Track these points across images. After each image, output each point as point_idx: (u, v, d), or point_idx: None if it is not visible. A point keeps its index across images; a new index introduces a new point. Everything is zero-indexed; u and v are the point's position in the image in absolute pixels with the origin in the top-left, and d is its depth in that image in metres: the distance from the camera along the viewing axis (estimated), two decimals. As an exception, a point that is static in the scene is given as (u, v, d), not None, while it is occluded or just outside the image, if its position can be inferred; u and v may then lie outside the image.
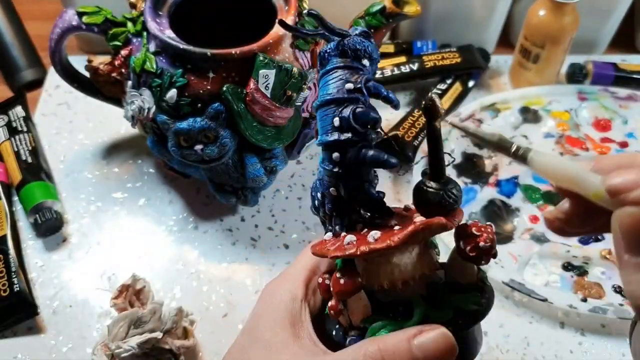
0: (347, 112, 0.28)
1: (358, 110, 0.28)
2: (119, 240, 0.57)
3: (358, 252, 0.28)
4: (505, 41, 0.78)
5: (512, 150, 0.30)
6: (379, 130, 0.29)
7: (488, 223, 0.30)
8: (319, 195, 0.31)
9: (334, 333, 0.32)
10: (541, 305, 0.52)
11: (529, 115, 0.67)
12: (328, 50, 0.30)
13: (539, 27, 0.65)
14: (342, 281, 0.29)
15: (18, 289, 0.50)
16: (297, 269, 0.35)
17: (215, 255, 0.56)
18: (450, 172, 0.62)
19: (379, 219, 0.30)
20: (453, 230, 0.30)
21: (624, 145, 0.64)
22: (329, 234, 0.31)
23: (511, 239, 0.56)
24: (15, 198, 0.59)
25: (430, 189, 0.28)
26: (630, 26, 0.80)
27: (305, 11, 0.30)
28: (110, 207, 0.59)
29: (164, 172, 0.62)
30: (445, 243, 0.53)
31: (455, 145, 0.64)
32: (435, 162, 0.29)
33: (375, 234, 0.28)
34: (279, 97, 0.47)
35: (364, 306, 0.30)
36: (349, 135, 0.28)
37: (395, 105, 0.30)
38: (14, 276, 0.51)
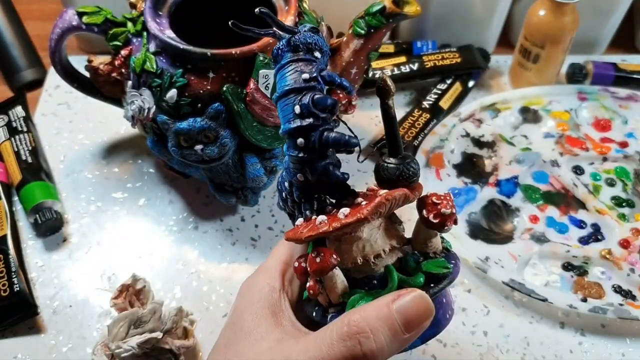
0: (306, 99, 0.30)
1: (316, 96, 0.30)
2: (119, 240, 0.57)
3: (330, 229, 0.29)
4: (505, 41, 0.78)
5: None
6: (337, 116, 0.31)
7: (447, 192, 0.33)
8: (286, 185, 0.33)
9: (314, 314, 0.33)
10: (541, 305, 0.52)
11: (529, 115, 0.67)
12: (281, 47, 0.32)
13: (539, 27, 0.65)
14: (318, 259, 0.30)
15: (18, 288, 0.50)
16: (273, 262, 0.36)
17: (215, 255, 0.56)
18: (450, 171, 0.62)
19: (346, 200, 0.32)
20: (415, 204, 0.32)
21: (624, 145, 0.64)
22: (300, 219, 0.33)
23: (511, 239, 0.56)
24: (16, 198, 0.59)
25: (391, 164, 0.31)
26: (630, 26, 0.80)
27: (256, 10, 0.31)
28: (110, 207, 0.59)
29: (164, 172, 0.62)
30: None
31: (455, 145, 0.64)
32: (392, 139, 0.31)
33: (344, 210, 0.30)
34: (279, 97, 0.47)
35: (341, 282, 0.32)
36: (310, 120, 0.30)
37: (349, 92, 0.32)
38: (14, 276, 0.51)
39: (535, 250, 0.55)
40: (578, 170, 0.62)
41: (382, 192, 0.30)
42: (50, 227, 0.56)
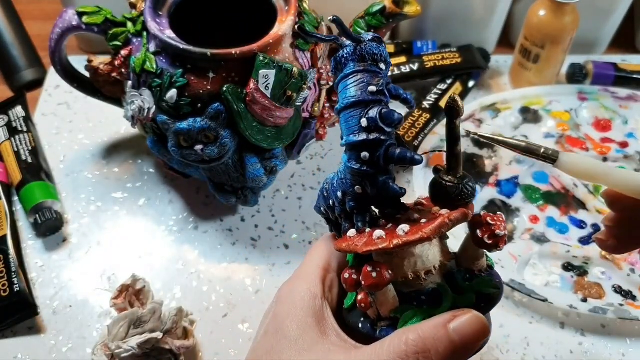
0: (373, 112, 0.30)
1: (384, 111, 0.30)
2: (119, 240, 0.57)
3: (391, 246, 0.29)
4: (506, 41, 0.78)
5: (541, 152, 0.32)
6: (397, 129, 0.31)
7: (498, 213, 0.32)
8: (338, 194, 0.32)
9: (360, 326, 0.32)
10: (541, 305, 0.52)
11: (529, 115, 0.67)
12: (345, 55, 0.31)
13: (539, 27, 0.65)
14: (374, 274, 0.30)
15: (18, 289, 0.50)
16: (311, 268, 0.35)
17: (215, 255, 0.56)
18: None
19: (398, 213, 0.32)
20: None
21: (624, 145, 0.64)
22: (353, 231, 0.32)
23: (511, 239, 0.56)
24: (16, 198, 0.59)
25: (450, 183, 0.30)
26: (630, 26, 0.80)
27: (330, 18, 0.31)
28: (110, 207, 0.59)
29: (164, 172, 0.62)
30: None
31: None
32: (454, 158, 0.31)
33: (404, 227, 0.29)
34: (279, 97, 0.47)
35: (393, 297, 0.32)
36: (377, 135, 0.30)
37: (411, 107, 0.32)
38: (14, 276, 0.51)
39: (535, 250, 0.55)
40: (578, 170, 0.62)
41: (444, 211, 0.30)
42: (50, 227, 0.56)
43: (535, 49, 0.66)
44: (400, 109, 0.67)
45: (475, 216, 0.32)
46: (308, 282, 0.34)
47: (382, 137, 0.30)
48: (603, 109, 0.68)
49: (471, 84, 0.70)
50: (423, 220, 0.30)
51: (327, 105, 0.54)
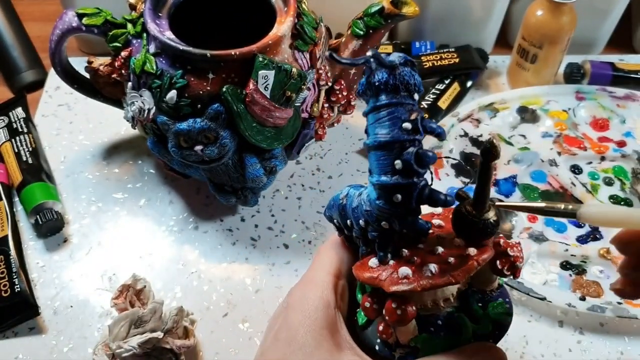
0: (409, 155, 0.28)
1: (420, 152, 0.28)
2: (119, 240, 0.57)
3: (419, 289, 0.28)
4: (503, 41, 0.79)
5: (562, 209, 0.32)
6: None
7: (517, 242, 0.32)
8: (360, 222, 0.31)
9: (377, 348, 0.32)
10: (540, 303, 0.52)
11: (527, 114, 0.68)
12: (377, 84, 0.28)
13: (536, 27, 0.65)
14: (398, 312, 0.29)
15: (19, 289, 0.51)
16: (322, 274, 0.34)
17: (216, 255, 0.56)
18: (449, 171, 0.62)
19: (419, 240, 0.32)
20: None
21: (621, 144, 0.64)
22: (375, 261, 0.31)
23: (510, 238, 0.57)
24: (16, 199, 0.59)
25: (476, 219, 0.29)
26: (627, 26, 0.80)
27: (368, 52, 0.29)
28: (110, 207, 0.59)
29: (164, 172, 0.62)
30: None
31: (453, 145, 0.64)
32: (482, 194, 0.29)
33: (432, 267, 0.29)
34: (278, 98, 0.48)
35: (414, 327, 0.32)
36: (412, 179, 0.29)
37: (442, 139, 0.30)
38: (15, 277, 0.51)
39: (533, 249, 0.55)
40: (576, 169, 0.63)
41: (472, 251, 0.29)
42: (51, 227, 0.56)
43: (533, 49, 0.67)
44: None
45: (495, 245, 0.31)
46: (320, 289, 0.34)
47: (417, 180, 0.29)
48: (601, 108, 0.68)
49: (469, 84, 0.71)
50: (450, 259, 0.29)
51: (326, 105, 0.55)
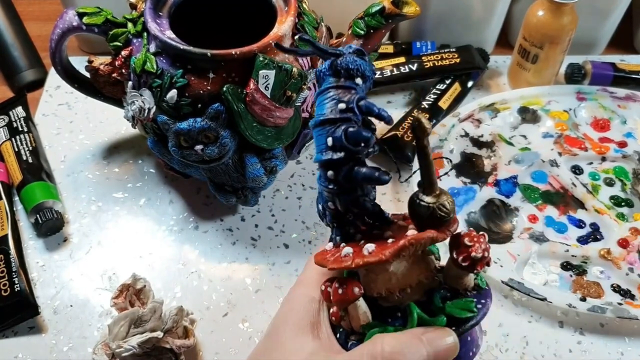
0: (339, 132, 0.29)
1: (350, 130, 0.29)
2: (119, 240, 0.57)
3: (353, 265, 0.29)
4: (504, 41, 0.79)
5: None
6: (373, 146, 0.30)
7: (481, 233, 0.31)
8: (320, 207, 0.33)
9: (337, 336, 0.33)
10: (540, 304, 0.52)
11: (528, 115, 0.68)
12: (323, 70, 0.31)
13: (537, 27, 0.65)
14: (340, 291, 0.30)
15: (19, 288, 0.51)
16: (312, 273, 0.36)
17: (216, 255, 0.56)
18: (450, 171, 0.62)
19: (378, 228, 0.32)
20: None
21: (622, 145, 0.64)
22: (330, 244, 0.33)
23: (510, 239, 0.57)
24: (16, 198, 0.59)
25: (423, 203, 0.30)
26: (628, 26, 0.80)
27: (297, 36, 0.31)
28: (110, 207, 0.59)
29: (164, 172, 0.62)
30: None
31: (454, 145, 0.64)
32: (427, 177, 0.30)
33: (369, 247, 0.30)
34: (278, 98, 0.48)
35: (363, 313, 0.32)
36: (342, 154, 0.30)
37: (387, 122, 0.31)
38: (14, 276, 0.51)
39: (534, 249, 0.55)
40: (577, 170, 0.63)
41: (410, 232, 0.30)
42: (51, 227, 0.56)
43: (533, 49, 0.66)
44: (399, 109, 0.67)
45: (455, 235, 0.31)
46: (307, 286, 0.35)
47: (347, 156, 0.29)
48: (601, 108, 0.68)
49: (470, 84, 0.71)
50: (390, 240, 0.30)
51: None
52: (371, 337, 0.31)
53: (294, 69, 0.47)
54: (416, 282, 0.32)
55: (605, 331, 0.51)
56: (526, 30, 0.66)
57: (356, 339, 0.32)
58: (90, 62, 0.54)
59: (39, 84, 0.71)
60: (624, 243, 0.56)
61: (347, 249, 0.30)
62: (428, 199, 0.30)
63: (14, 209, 0.58)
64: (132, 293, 0.48)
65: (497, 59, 0.75)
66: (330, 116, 0.30)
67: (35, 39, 0.74)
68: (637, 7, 0.80)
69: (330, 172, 0.30)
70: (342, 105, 0.30)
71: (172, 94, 0.47)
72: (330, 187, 0.30)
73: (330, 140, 0.30)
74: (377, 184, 0.30)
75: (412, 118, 0.29)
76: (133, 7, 0.53)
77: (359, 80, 0.30)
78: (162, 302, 0.46)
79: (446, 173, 0.61)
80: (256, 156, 0.51)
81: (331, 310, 0.32)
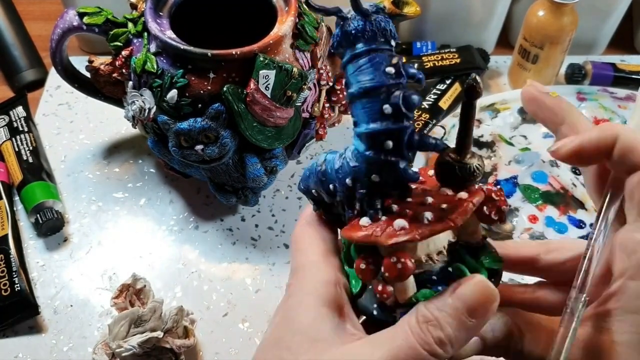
0: (396, 98, 0.27)
1: (407, 94, 0.27)
2: (119, 240, 0.57)
3: (419, 237, 0.27)
4: (505, 42, 0.79)
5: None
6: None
7: (499, 187, 0.31)
8: (347, 181, 0.30)
9: (375, 313, 0.31)
10: (540, 304, 0.52)
11: (528, 115, 0.67)
12: (354, 32, 0.28)
13: (538, 27, 0.65)
14: (399, 265, 0.28)
15: (19, 288, 0.51)
16: (315, 256, 0.33)
17: (216, 255, 0.56)
18: (450, 172, 0.62)
19: (405, 196, 0.30)
20: None
21: (622, 145, 0.64)
22: (366, 219, 0.30)
23: (510, 239, 0.57)
24: (17, 198, 0.59)
25: (462, 164, 0.29)
26: (629, 27, 0.80)
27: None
28: (111, 207, 0.59)
29: (164, 172, 0.62)
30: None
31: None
32: (466, 138, 0.29)
33: (428, 215, 0.28)
34: (279, 98, 0.48)
35: (412, 284, 0.31)
36: (402, 122, 0.28)
37: (422, 85, 0.29)
38: (15, 276, 0.51)
39: (534, 249, 0.55)
40: (577, 170, 0.62)
41: (462, 194, 0.29)
42: (51, 227, 0.56)
43: (534, 49, 0.66)
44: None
45: (480, 191, 0.31)
46: (315, 268, 0.32)
47: (406, 124, 0.28)
48: (602, 109, 0.68)
49: (470, 84, 0.70)
50: (443, 206, 0.29)
51: (327, 105, 0.55)
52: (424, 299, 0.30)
53: (294, 69, 0.47)
54: (447, 243, 0.31)
55: (606, 331, 0.51)
56: (526, 31, 0.66)
57: (406, 311, 0.30)
58: (90, 62, 0.54)
59: (39, 83, 0.71)
60: (624, 243, 0.56)
61: (400, 222, 0.28)
62: (468, 160, 0.29)
63: (14, 208, 0.58)
64: (132, 293, 0.48)
65: (497, 59, 0.75)
66: (381, 82, 0.28)
67: (35, 39, 0.74)
68: (638, 7, 0.80)
69: (388, 142, 0.28)
70: (390, 69, 0.27)
71: (173, 94, 0.47)
72: (386, 158, 0.28)
73: (387, 108, 0.27)
74: (433, 150, 0.29)
75: (468, 77, 0.28)
76: (133, 7, 0.53)
77: (393, 43, 0.28)
78: (162, 302, 0.46)
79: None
80: (256, 156, 0.51)
81: (379, 287, 0.30)
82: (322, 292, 0.30)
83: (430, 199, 0.30)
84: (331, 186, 0.31)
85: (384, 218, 0.30)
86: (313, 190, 0.33)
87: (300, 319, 0.29)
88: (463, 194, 0.29)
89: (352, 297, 0.32)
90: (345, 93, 0.31)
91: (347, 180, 0.30)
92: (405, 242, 0.28)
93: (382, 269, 0.29)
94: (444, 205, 0.29)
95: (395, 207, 0.30)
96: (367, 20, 0.28)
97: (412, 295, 0.30)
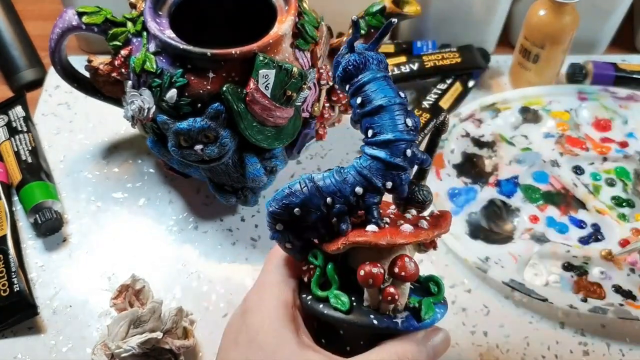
0: (413, 115, 0.34)
1: (413, 115, 0.33)
2: (119, 240, 0.57)
3: (433, 234, 0.33)
4: (505, 41, 0.78)
5: None
6: None
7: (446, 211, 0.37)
8: (357, 190, 0.33)
9: (376, 323, 0.33)
10: (541, 305, 0.52)
11: (529, 115, 0.67)
12: (371, 60, 0.34)
13: (539, 27, 0.65)
14: (412, 265, 0.32)
15: (18, 289, 0.50)
16: (277, 276, 0.35)
17: (215, 255, 0.56)
18: (451, 171, 0.62)
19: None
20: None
21: (624, 145, 0.64)
22: (373, 227, 0.33)
23: (511, 239, 0.56)
24: (15, 198, 0.59)
25: (424, 190, 0.36)
26: (630, 26, 0.80)
27: (353, 17, 0.36)
28: (110, 207, 0.59)
29: (164, 172, 0.62)
30: (445, 244, 0.53)
31: (455, 145, 0.64)
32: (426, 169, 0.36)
33: (424, 223, 0.34)
34: (278, 97, 0.47)
35: (408, 288, 0.34)
36: (415, 134, 0.33)
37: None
38: (14, 276, 0.51)
39: (535, 250, 0.55)
40: (578, 170, 0.62)
41: (433, 212, 0.36)
42: (50, 227, 0.56)
43: (535, 49, 0.66)
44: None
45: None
46: (277, 289, 0.34)
47: (415, 138, 0.33)
48: (603, 108, 0.68)
49: (471, 83, 0.70)
50: (424, 220, 0.34)
51: (327, 105, 0.54)
52: (427, 311, 0.33)
53: (294, 69, 0.47)
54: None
55: (607, 332, 0.51)
56: (527, 30, 0.66)
57: (406, 316, 0.33)
58: (89, 61, 0.54)
59: (38, 83, 0.71)
60: (625, 244, 0.55)
61: (407, 227, 0.33)
62: (425, 186, 0.36)
63: (13, 209, 0.58)
64: (132, 293, 0.48)
65: (498, 59, 0.75)
66: (404, 101, 0.33)
67: (34, 39, 0.74)
68: (639, 7, 0.79)
69: (409, 151, 0.32)
70: (401, 94, 0.33)
71: (172, 93, 0.47)
72: (405, 165, 0.33)
73: (410, 122, 0.33)
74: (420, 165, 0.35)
75: (441, 116, 0.35)
76: (133, 6, 0.53)
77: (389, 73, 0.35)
78: (161, 302, 0.46)
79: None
80: (256, 156, 0.51)
81: (390, 290, 0.32)
82: (281, 314, 0.33)
83: (408, 216, 0.35)
84: (329, 200, 0.33)
85: (387, 226, 0.34)
86: (295, 210, 0.34)
87: (263, 341, 0.32)
88: (436, 211, 0.35)
89: (344, 312, 0.33)
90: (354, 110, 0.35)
91: (358, 189, 0.33)
92: (417, 242, 0.33)
93: (397, 270, 0.32)
94: (424, 224, 0.34)
95: (387, 219, 0.34)
96: (374, 52, 0.34)
97: (408, 299, 0.34)
